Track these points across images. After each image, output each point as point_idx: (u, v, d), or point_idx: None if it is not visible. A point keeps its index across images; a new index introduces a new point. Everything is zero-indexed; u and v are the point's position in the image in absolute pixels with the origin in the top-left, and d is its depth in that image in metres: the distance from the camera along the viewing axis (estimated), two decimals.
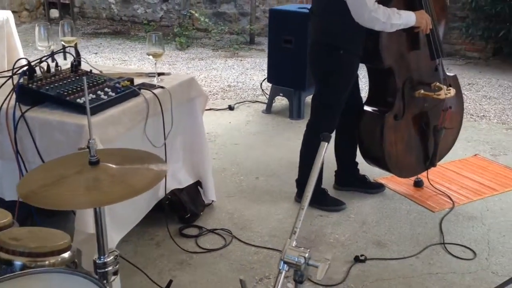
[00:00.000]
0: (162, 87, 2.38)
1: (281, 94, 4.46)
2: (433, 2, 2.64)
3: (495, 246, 2.56)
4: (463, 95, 5.04)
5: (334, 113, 2.74)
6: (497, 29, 5.77)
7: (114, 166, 1.24)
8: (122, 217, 2.24)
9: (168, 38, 7.55)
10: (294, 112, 4.34)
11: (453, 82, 2.93)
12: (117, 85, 2.22)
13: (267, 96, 4.60)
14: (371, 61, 2.73)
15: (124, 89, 2.21)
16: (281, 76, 4.36)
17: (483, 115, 4.52)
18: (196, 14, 7.31)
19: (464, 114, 4.50)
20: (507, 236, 2.65)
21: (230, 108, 4.60)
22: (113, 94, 2.15)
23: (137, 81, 2.41)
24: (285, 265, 1.06)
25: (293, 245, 1.07)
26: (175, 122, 2.47)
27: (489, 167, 3.46)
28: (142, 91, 2.28)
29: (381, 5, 2.42)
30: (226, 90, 5.21)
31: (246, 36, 7.43)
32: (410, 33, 2.61)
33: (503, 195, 3.08)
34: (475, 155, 3.66)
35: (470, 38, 6.20)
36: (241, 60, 6.48)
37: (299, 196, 2.97)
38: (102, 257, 1.32)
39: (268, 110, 4.52)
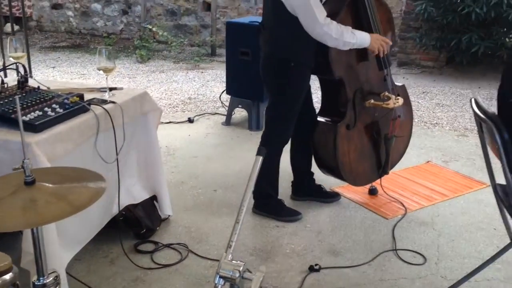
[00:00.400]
0: (113, 102, 2.37)
1: (240, 106, 4.49)
2: (379, 16, 2.73)
3: (445, 251, 2.64)
4: (418, 103, 5.25)
5: (288, 124, 2.79)
6: (449, 39, 5.98)
7: (50, 185, 1.23)
8: (73, 236, 2.21)
9: (129, 51, 7.50)
10: (253, 124, 4.37)
11: (402, 92, 3.03)
12: (66, 101, 2.20)
13: (227, 108, 4.63)
14: (322, 72, 2.79)
15: (73, 105, 2.19)
16: (239, 88, 4.39)
17: (436, 123, 4.67)
18: (154, 28, 7.29)
19: (418, 121, 4.67)
20: (456, 240, 2.74)
21: (190, 120, 4.60)
22: (61, 110, 2.13)
23: (88, 96, 2.39)
24: (221, 279, 1.08)
25: (229, 258, 1.08)
26: (128, 137, 2.46)
27: (441, 173, 3.57)
28: (92, 106, 2.26)
29: (334, 21, 2.46)
30: (187, 103, 5.21)
31: (208, 48, 7.47)
32: None
33: (453, 200, 3.18)
34: (428, 162, 3.77)
35: (424, 48, 6.41)
36: (202, 72, 6.50)
37: (256, 208, 3.00)
38: (41, 278, 1.30)
39: (228, 122, 4.55)
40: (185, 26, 7.95)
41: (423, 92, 5.66)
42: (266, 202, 2.96)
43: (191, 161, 3.77)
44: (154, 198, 2.81)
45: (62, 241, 2.08)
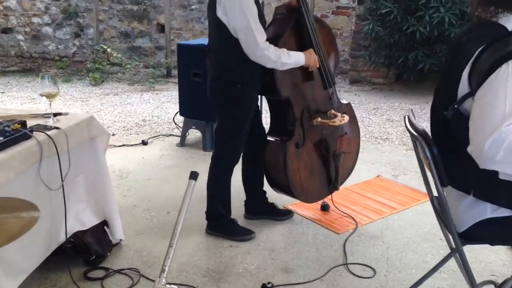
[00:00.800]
0: (57, 128, 2.34)
1: (194, 127, 4.50)
2: (322, 37, 2.82)
3: (393, 263, 2.71)
4: (369, 119, 5.40)
5: (237, 145, 2.82)
6: (396, 57, 6.21)
7: None
8: (16, 264, 2.14)
9: (82, 74, 7.41)
10: (207, 144, 4.38)
11: (348, 109, 3.12)
12: (7, 128, 2.15)
13: (181, 129, 4.62)
14: (269, 93, 2.85)
15: (14, 133, 2.14)
16: (192, 109, 4.41)
17: (386, 138, 4.81)
18: (109, 50, 7.24)
19: (369, 137, 4.80)
20: (404, 252, 2.82)
21: (144, 143, 4.57)
22: (1, 138, 2.08)
23: (32, 122, 2.35)
24: None
25: (163, 283, 1.09)
26: (75, 162, 2.42)
27: (390, 187, 3.68)
28: (35, 133, 2.23)
29: (272, 45, 2.56)
30: (141, 125, 5.17)
31: (163, 69, 7.47)
32: (302, 66, 2.75)
33: (402, 213, 3.28)
34: (378, 176, 3.88)
35: (374, 65, 6.62)
36: (157, 94, 6.48)
37: (209, 228, 3.00)
38: None
39: (182, 143, 4.54)
40: (139, 48, 7.93)
41: (374, 108, 5.83)
42: (219, 222, 2.97)
43: (144, 184, 3.73)
44: (105, 223, 2.77)
45: (5, 270, 2.02)
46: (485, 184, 1.74)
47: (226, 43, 2.56)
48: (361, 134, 4.89)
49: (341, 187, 3.25)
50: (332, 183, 3.12)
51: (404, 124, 5.52)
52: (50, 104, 2.43)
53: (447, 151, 1.77)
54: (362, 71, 6.99)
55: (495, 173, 1.67)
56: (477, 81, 1.59)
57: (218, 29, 2.55)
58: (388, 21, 5.97)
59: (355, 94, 6.53)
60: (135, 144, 4.56)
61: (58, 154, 2.28)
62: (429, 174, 2.04)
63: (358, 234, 3.02)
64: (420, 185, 3.67)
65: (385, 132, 4.98)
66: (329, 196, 3.22)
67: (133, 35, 7.90)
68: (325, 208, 3.27)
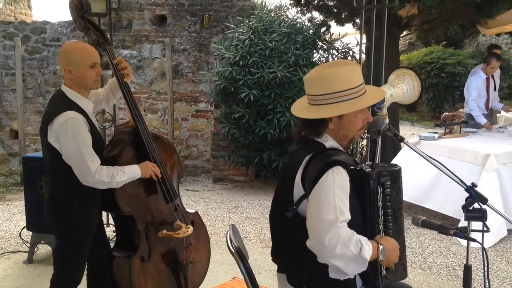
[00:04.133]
0: None
1: (42, 242, 4.25)
2: (162, 153, 2.94)
3: None
4: (229, 219, 5.56)
5: (78, 265, 2.73)
6: (253, 156, 6.60)
7: None
8: None
9: None
10: None
11: (195, 218, 3.21)
12: None
13: (28, 244, 4.32)
14: (110, 209, 2.85)
15: None
16: (40, 222, 4.17)
17: (245, 236, 4.97)
18: None
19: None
20: None
21: None
22: None
23: None
24: None
25: None
26: None
27: None
28: None
29: (104, 166, 2.57)
30: None
31: (17, 177, 7.03)
32: (144, 180, 2.81)
33: None
34: (234, 278, 3.95)
35: (234, 164, 6.95)
36: (8, 205, 6.04)
37: None
38: None
39: (30, 260, 4.24)
40: None
41: (235, 207, 6.03)
42: None
43: None
44: None
45: None
46: (315, 282, 1.93)
47: (60, 165, 2.55)
48: (221, 234, 5.03)
49: None
50: None
51: (260, 222, 5.69)
52: None
53: (287, 252, 2.01)
54: (224, 170, 7.28)
55: (325, 272, 1.88)
56: (309, 184, 1.87)
57: (51, 153, 2.55)
58: (242, 124, 6.40)
59: (218, 193, 6.73)
60: None
61: None
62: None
63: None
64: (273, 284, 3.82)
65: (244, 230, 5.15)
66: None
67: None
68: None
